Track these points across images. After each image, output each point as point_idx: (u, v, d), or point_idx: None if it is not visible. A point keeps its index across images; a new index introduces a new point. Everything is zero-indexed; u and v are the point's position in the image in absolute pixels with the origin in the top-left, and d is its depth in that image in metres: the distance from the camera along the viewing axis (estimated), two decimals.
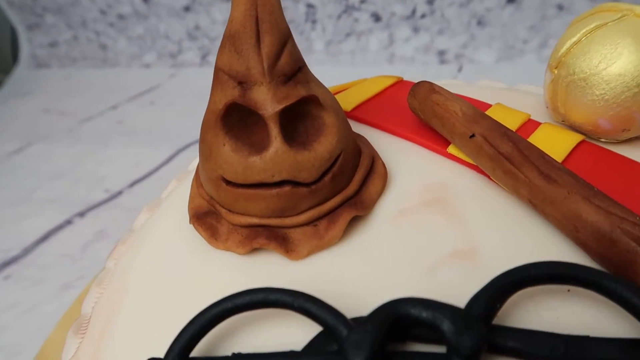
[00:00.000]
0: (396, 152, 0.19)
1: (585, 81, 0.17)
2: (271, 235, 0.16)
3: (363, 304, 0.14)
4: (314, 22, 0.54)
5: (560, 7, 0.46)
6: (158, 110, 0.56)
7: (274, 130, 0.15)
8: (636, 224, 0.13)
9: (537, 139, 0.18)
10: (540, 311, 0.13)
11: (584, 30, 0.17)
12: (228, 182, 0.16)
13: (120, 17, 0.61)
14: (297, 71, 0.16)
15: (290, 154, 0.15)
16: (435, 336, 0.12)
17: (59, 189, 0.47)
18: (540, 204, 0.15)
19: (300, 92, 0.15)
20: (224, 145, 0.15)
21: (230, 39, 0.15)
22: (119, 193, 0.45)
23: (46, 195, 0.47)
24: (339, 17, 0.52)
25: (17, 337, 0.33)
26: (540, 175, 0.15)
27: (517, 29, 0.47)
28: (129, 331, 0.15)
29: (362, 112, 0.21)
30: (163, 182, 0.47)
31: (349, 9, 0.51)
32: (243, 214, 0.16)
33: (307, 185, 0.15)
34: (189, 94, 0.57)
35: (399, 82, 0.23)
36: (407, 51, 0.51)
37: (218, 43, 0.59)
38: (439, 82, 0.25)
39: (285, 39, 0.15)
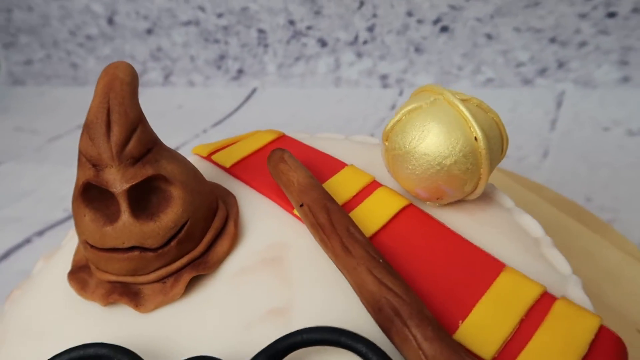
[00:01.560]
0: (257, 210, 0.22)
1: (402, 156, 0.20)
2: (124, 291, 0.19)
3: (185, 355, 0.17)
4: (265, 46, 0.56)
5: (489, 37, 0.48)
6: None
7: (123, 205, 0.18)
8: (398, 295, 0.16)
9: (369, 201, 0.21)
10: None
11: (403, 111, 0.20)
12: (91, 246, 0.19)
13: (89, 37, 0.64)
14: (147, 152, 0.18)
15: (136, 225, 0.18)
16: None
17: (23, 208, 0.50)
18: (342, 270, 0.17)
19: (148, 171, 0.18)
20: (85, 215, 0.18)
21: (86, 127, 0.18)
22: None
23: (11, 214, 0.50)
24: (288, 42, 0.55)
25: None
26: (342, 246, 0.17)
27: (451, 55, 0.49)
28: None
29: (238, 169, 0.24)
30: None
31: (297, 35, 0.54)
32: (105, 272, 0.19)
33: (153, 250, 0.18)
34: (151, 114, 0.60)
35: (280, 138, 0.26)
36: (352, 75, 0.54)
37: (180, 64, 0.62)
38: (322, 135, 0.27)
39: (134, 127, 0.18)
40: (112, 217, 0.18)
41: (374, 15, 0.50)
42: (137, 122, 0.18)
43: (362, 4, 0.50)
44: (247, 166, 0.24)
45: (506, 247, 0.19)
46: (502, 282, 0.17)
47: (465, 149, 0.18)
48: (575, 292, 0.18)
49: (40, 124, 0.62)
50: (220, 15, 0.56)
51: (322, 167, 0.23)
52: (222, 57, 0.59)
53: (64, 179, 0.53)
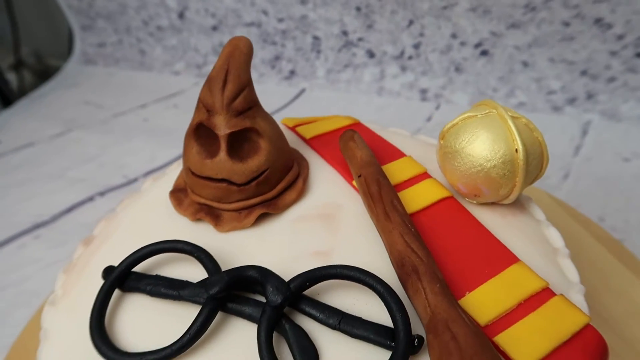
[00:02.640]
0: (323, 175, 0.26)
1: (451, 154, 0.22)
2: (209, 212, 0.23)
3: (242, 264, 0.21)
4: (318, 52, 0.61)
5: (525, 64, 0.52)
6: (179, 113, 0.65)
7: (222, 146, 0.22)
8: (419, 257, 0.18)
9: (417, 187, 0.24)
10: (347, 295, 0.19)
11: (461, 117, 0.22)
12: (192, 172, 0.23)
13: (159, 28, 0.70)
14: (248, 109, 0.23)
15: (229, 163, 0.22)
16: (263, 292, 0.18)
17: (88, 171, 0.56)
18: (380, 232, 0.21)
19: (246, 123, 0.22)
20: (192, 148, 0.23)
21: (208, 80, 0.22)
22: (135, 180, 0.54)
23: (77, 175, 0.56)
24: (340, 50, 0.60)
25: (38, 285, 0.42)
26: (384, 212, 0.21)
27: (488, 78, 0.54)
28: (111, 248, 0.23)
29: (315, 142, 0.28)
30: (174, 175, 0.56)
31: (348, 44, 0.59)
32: (198, 195, 0.24)
33: (237, 185, 0.23)
34: None
35: (355, 124, 0.30)
36: (394, 86, 0.58)
37: None
38: (391, 129, 0.30)
39: (243, 88, 0.22)
40: (212, 153, 0.23)
41: (421, 34, 0.55)
42: (246, 85, 0.22)
43: (411, 22, 0.55)
44: (322, 141, 0.28)
45: (526, 249, 0.21)
46: (512, 271, 0.20)
47: (505, 157, 0.21)
48: (576, 297, 0.20)
49: (107, 100, 0.69)
50: (280, 20, 0.62)
51: (384, 152, 0.27)
52: (277, 58, 0.65)
53: (125, 150, 0.59)
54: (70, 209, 0.51)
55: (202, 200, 0.23)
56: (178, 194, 0.25)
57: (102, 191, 0.53)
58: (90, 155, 0.59)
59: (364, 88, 0.60)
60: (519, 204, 0.24)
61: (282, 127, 0.30)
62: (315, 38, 0.61)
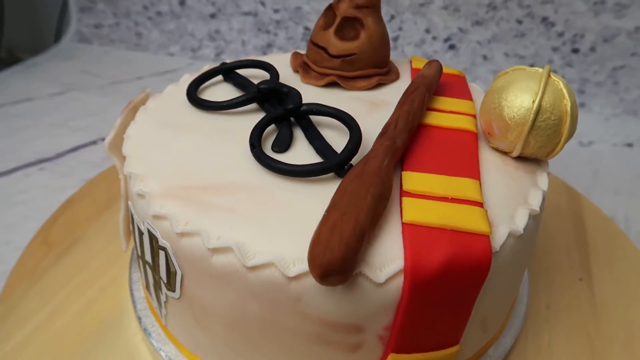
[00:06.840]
0: (400, 91, 0.29)
1: (490, 92, 0.25)
2: (304, 67, 0.32)
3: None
4: (307, 41, 0.69)
5: (485, 57, 0.63)
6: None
7: (335, 24, 0.30)
8: (395, 127, 0.23)
9: (454, 116, 0.27)
10: (339, 137, 0.25)
11: (514, 67, 0.25)
12: (311, 39, 0.32)
13: (159, 13, 0.76)
14: (365, 7, 0.30)
15: (332, 37, 0.30)
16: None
17: (90, 122, 0.59)
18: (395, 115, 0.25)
19: (358, 15, 0.30)
20: (320, 21, 0.31)
21: None
22: None
23: (79, 125, 0.59)
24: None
25: (47, 203, 0.44)
26: (402, 103, 0.25)
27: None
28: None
29: (416, 72, 0.32)
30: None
31: None
32: (307, 56, 0.32)
33: (329, 55, 0.30)
34: None
35: (459, 75, 0.32)
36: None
37: (232, 46, 0.75)
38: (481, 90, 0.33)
39: None
40: (327, 28, 0.31)
41: (400, 29, 0.65)
42: None
43: (392, 17, 0.65)
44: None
45: (498, 187, 0.23)
46: (464, 180, 0.22)
47: (522, 103, 0.23)
48: (502, 228, 0.20)
49: (103, 71, 0.72)
50: (276, 11, 0.69)
51: (458, 92, 0.30)
52: (269, 45, 0.72)
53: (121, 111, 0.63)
54: (74, 149, 0.54)
55: (306, 60, 0.32)
56: (298, 55, 0.34)
57: (104, 137, 0.56)
58: (91, 111, 0.62)
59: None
60: (529, 168, 0.25)
61: (406, 59, 0.36)
62: (306, 29, 0.69)
